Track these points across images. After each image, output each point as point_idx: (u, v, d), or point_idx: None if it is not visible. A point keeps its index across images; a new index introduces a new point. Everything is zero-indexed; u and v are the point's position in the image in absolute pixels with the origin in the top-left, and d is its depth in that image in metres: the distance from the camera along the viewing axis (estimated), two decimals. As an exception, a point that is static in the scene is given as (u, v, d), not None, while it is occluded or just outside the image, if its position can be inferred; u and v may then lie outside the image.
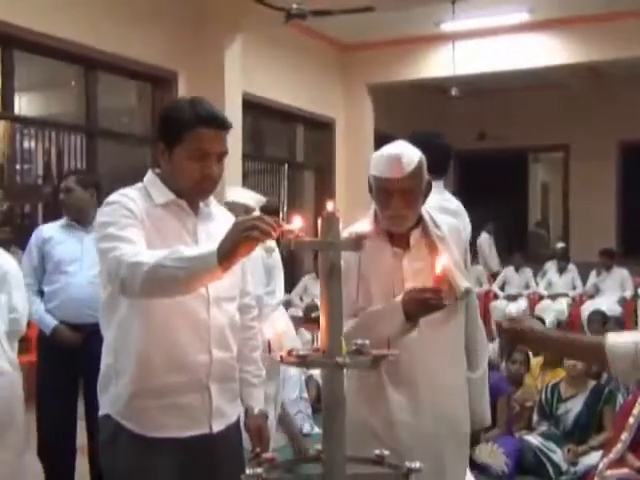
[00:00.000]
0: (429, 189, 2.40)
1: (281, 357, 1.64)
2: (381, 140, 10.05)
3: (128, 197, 2.10)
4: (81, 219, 3.82)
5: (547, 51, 8.47)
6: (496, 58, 8.66)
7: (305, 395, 5.86)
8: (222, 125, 2.11)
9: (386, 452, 1.71)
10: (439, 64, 8.81)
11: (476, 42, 8.60)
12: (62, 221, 3.90)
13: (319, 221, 1.68)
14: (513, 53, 8.58)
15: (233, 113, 7.09)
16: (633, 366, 1.79)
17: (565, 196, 11.90)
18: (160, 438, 2.10)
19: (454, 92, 7.70)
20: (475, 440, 2.53)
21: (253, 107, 7.99)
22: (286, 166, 9.26)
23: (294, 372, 5.67)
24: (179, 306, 2.06)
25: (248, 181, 8.48)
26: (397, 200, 2.29)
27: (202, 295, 2.10)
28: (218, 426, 2.18)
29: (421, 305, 2.17)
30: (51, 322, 3.71)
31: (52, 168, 6.23)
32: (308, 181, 9.75)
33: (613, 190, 11.25)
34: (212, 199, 2.25)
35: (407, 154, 2.31)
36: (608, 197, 11.02)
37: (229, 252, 1.79)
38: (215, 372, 2.15)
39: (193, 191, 2.13)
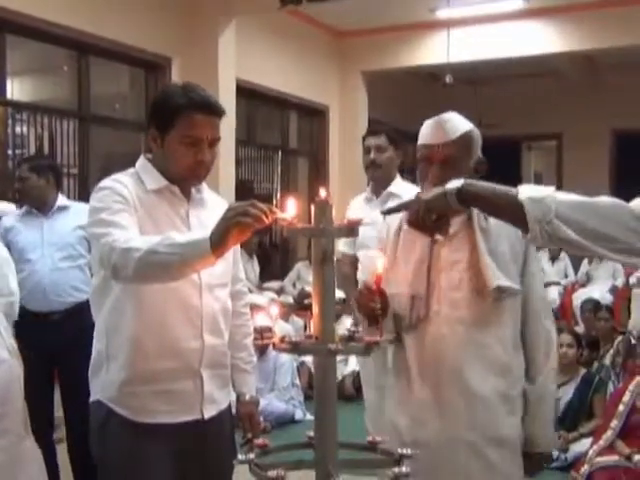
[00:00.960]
0: (481, 168, 2.13)
1: (273, 344, 1.64)
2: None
3: (120, 182, 2.09)
4: (40, 206, 3.80)
5: (541, 39, 8.45)
6: (491, 46, 8.63)
7: (297, 382, 5.88)
8: (215, 111, 2.11)
9: (409, 451, 1.69)
10: (434, 51, 8.79)
11: (471, 29, 8.57)
12: (22, 209, 3.89)
13: (312, 208, 1.68)
14: (508, 41, 8.56)
15: (227, 99, 7.06)
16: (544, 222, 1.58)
17: (558, 185, 11.92)
18: (152, 424, 2.11)
19: (448, 79, 7.68)
20: (538, 465, 2.21)
21: (247, 93, 7.96)
22: (280, 153, 9.24)
23: (286, 359, 5.69)
24: (171, 292, 2.06)
25: (241, 167, 8.46)
26: (436, 170, 2.06)
27: (194, 281, 2.10)
28: (209, 412, 2.19)
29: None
30: None
31: (45, 153, 6.19)
32: (302, 168, 9.73)
33: (606, 178, 11.27)
34: (204, 185, 2.25)
35: (453, 120, 2.12)
36: (601, 185, 11.03)
37: (222, 238, 1.78)
38: (207, 358, 2.16)
39: (185, 177, 2.12)
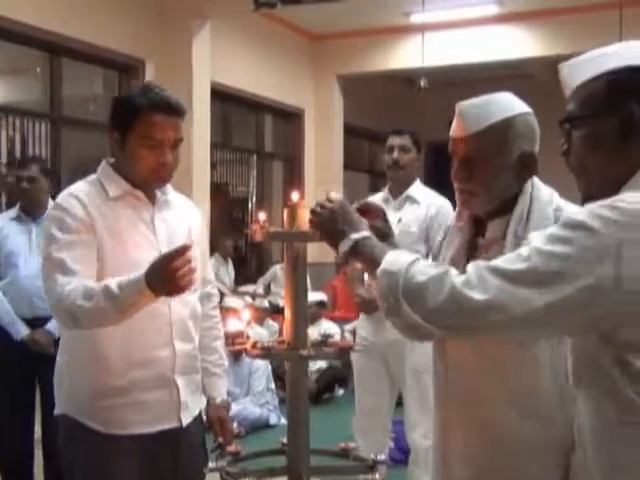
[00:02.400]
0: (530, 165, 1.73)
1: (245, 350, 1.62)
2: (350, 131, 10.03)
3: (77, 198, 2.05)
4: (36, 210, 3.74)
5: (515, 43, 8.52)
6: (465, 50, 8.68)
7: (272, 386, 5.85)
8: (175, 111, 2.07)
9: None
10: (409, 55, 8.81)
11: (445, 34, 8.61)
12: (12, 212, 3.81)
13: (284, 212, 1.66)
14: (482, 45, 8.61)
15: (201, 102, 7.03)
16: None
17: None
18: (125, 435, 2.07)
19: (423, 83, 7.69)
20: None
21: (222, 96, 7.92)
22: (255, 156, 9.20)
23: (261, 363, 5.66)
24: None
25: (217, 171, 8.42)
26: (459, 168, 1.75)
27: None
28: (187, 419, 2.17)
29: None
30: (24, 330, 3.61)
31: (16, 156, 6.10)
32: (277, 171, 9.71)
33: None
34: (169, 187, 2.22)
35: (483, 107, 1.73)
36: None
37: (157, 291, 1.82)
38: (179, 365, 2.13)
39: (148, 180, 2.09)
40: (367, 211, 1.73)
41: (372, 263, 1.45)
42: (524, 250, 1.27)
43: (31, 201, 3.74)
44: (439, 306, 1.30)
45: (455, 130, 1.75)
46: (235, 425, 5.36)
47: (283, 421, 5.25)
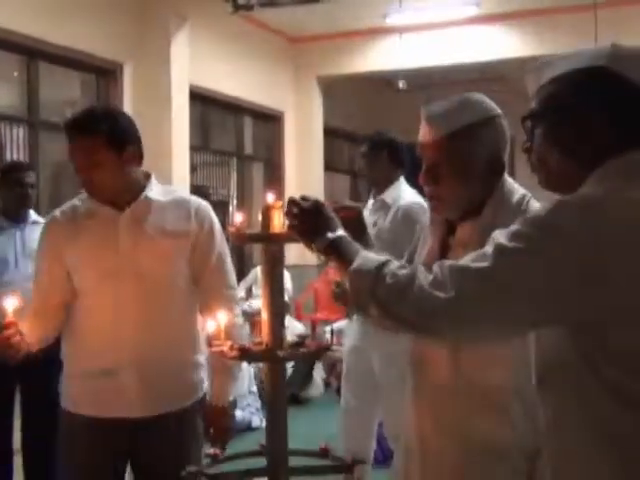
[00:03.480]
0: (498, 169, 1.72)
1: (223, 351, 1.63)
2: (330, 133, 10.04)
3: (56, 222, 2.31)
4: (24, 216, 3.72)
5: (494, 45, 8.57)
6: (444, 51, 8.73)
7: (254, 389, 5.84)
8: (77, 132, 2.17)
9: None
10: (387, 57, 8.85)
11: (423, 35, 8.65)
12: None
13: (259, 214, 1.67)
14: (460, 46, 8.66)
15: (180, 104, 7.02)
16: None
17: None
18: (85, 415, 2.26)
19: (402, 85, 7.74)
20: None
21: (201, 99, 7.91)
22: (235, 159, 9.19)
23: (243, 366, 5.65)
24: (102, 296, 2.25)
25: (197, 174, 8.40)
26: (426, 173, 1.72)
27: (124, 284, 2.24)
28: (142, 412, 2.23)
29: None
30: None
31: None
32: (257, 174, 9.69)
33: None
34: (150, 191, 2.27)
35: (446, 110, 1.70)
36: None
37: None
38: (131, 356, 2.21)
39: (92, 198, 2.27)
40: (343, 211, 1.74)
41: (345, 263, 1.44)
42: (488, 248, 1.27)
43: (23, 207, 3.72)
44: (407, 307, 1.29)
45: (422, 134, 1.73)
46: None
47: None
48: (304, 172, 9.43)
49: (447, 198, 1.72)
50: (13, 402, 3.66)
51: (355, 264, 1.40)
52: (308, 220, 1.53)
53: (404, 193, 3.69)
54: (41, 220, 3.79)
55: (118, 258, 2.19)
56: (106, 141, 2.13)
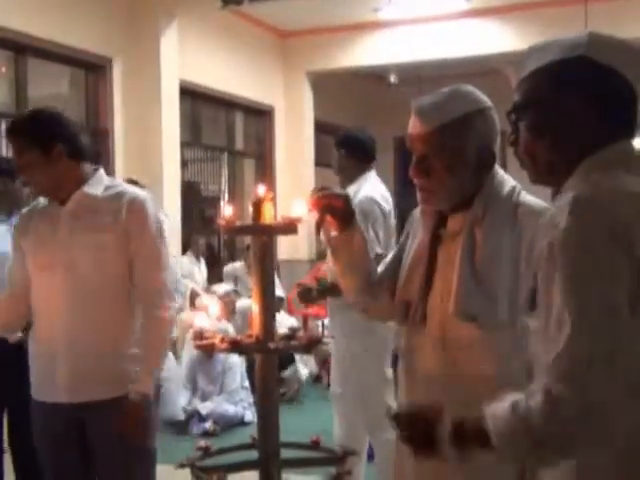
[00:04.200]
0: (488, 161, 1.73)
1: (214, 344, 1.63)
2: (321, 128, 10.01)
3: (21, 216, 2.55)
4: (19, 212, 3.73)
5: (485, 39, 8.56)
6: (434, 45, 8.71)
7: (246, 384, 5.84)
8: (8, 137, 2.42)
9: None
10: (378, 51, 8.84)
11: (414, 29, 8.63)
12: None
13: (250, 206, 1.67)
14: (451, 40, 8.65)
15: (169, 100, 6.99)
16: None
17: (504, 169, 12.11)
18: (36, 401, 2.43)
19: (392, 79, 7.73)
20: None
21: (191, 94, 7.88)
22: (226, 154, 9.17)
23: (236, 360, 5.65)
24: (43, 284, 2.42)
25: (187, 169, 8.38)
26: (416, 166, 1.74)
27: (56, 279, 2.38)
28: (76, 398, 2.33)
29: None
30: None
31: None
32: (248, 169, 9.68)
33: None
34: (85, 188, 2.40)
35: (435, 103, 1.71)
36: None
37: None
38: (65, 341, 2.32)
39: None
40: (331, 198, 1.76)
41: (478, 439, 1.31)
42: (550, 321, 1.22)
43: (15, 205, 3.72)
44: (554, 430, 1.20)
45: (411, 127, 1.73)
46: (209, 424, 5.33)
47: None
48: (295, 167, 9.41)
49: (437, 190, 1.73)
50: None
51: (496, 436, 1.27)
52: (415, 430, 1.41)
53: (362, 188, 3.72)
54: None
55: (54, 251, 2.36)
56: (30, 142, 2.31)
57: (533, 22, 8.20)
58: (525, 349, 1.56)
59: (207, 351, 5.48)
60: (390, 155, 11.74)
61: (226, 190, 9.12)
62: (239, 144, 9.48)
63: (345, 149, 3.81)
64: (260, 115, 9.39)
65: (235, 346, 1.59)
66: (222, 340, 1.61)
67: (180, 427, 5.41)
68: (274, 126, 9.41)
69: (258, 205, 1.63)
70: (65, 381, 2.33)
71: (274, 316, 1.64)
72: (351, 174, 3.79)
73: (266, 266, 1.63)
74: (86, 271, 2.31)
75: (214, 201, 9.10)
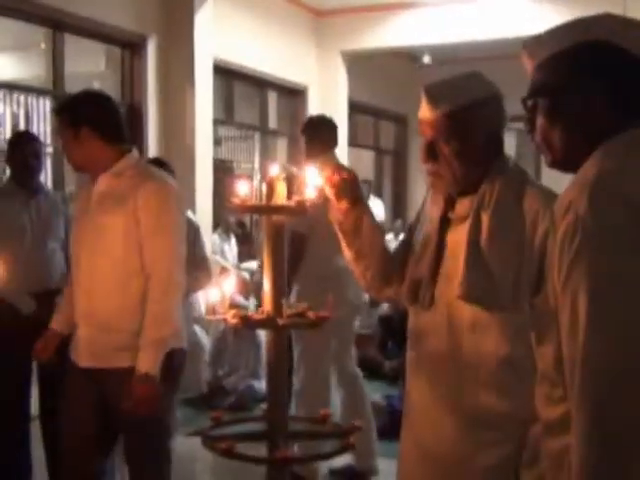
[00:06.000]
0: (496, 147, 1.77)
1: (225, 319, 1.68)
2: (355, 108, 9.93)
3: (78, 190, 2.99)
4: (37, 185, 3.83)
5: (521, 20, 8.44)
6: (470, 26, 8.62)
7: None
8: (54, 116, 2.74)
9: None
10: (413, 31, 8.77)
11: (450, 9, 8.55)
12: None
13: (263, 185, 1.71)
14: (487, 21, 8.55)
15: (203, 78, 7.04)
16: None
17: (537, 168, 11.99)
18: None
19: (426, 60, 7.68)
20: None
21: (225, 73, 7.93)
22: (259, 133, 9.22)
23: (261, 337, 5.72)
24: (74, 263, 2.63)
25: (220, 148, 8.45)
26: (424, 150, 1.76)
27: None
28: (86, 362, 2.53)
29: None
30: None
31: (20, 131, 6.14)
32: (281, 148, 9.71)
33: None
34: (109, 170, 2.59)
35: (445, 88, 1.73)
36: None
37: None
38: (81, 310, 2.55)
39: None
40: (343, 173, 1.80)
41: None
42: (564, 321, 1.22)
43: (31, 177, 3.79)
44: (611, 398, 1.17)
45: (421, 112, 1.75)
46: (233, 398, 5.41)
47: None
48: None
49: (446, 175, 1.75)
50: (31, 368, 3.75)
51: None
52: None
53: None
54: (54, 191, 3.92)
55: (83, 229, 2.59)
56: (63, 123, 2.55)
57: (571, 2, 8.06)
58: (529, 332, 1.59)
59: (234, 327, 5.56)
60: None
61: (259, 169, 9.18)
62: (272, 123, 9.51)
63: (306, 133, 4.33)
64: (293, 94, 9.40)
65: (245, 322, 1.64)
66: (233, 315, 1.67)
67: (205, 401, 5.51)
68: (307, 106, 9.42)
69: (271, 185, 1.68)
70: (83, 346, 2.55)
71: (284, 294, 1.70)
72: (311, 157, 4.11)
73: (277, 245, 1.68)
74: (102, 251, 2.49)
75: (247, 180, 9.16)
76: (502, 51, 9.95)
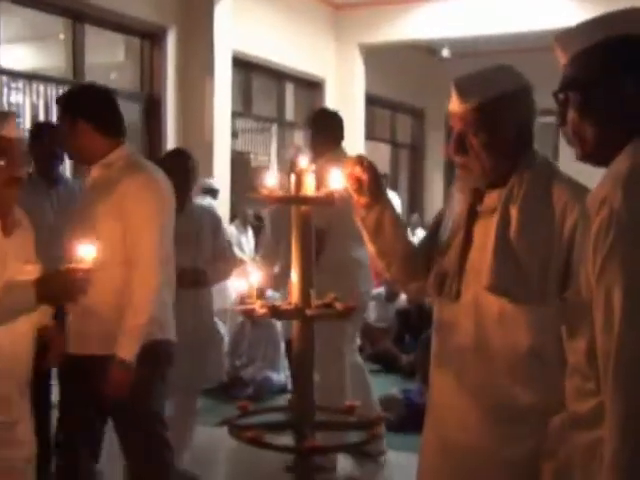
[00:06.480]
0: (526, 140, 1.77)
1: (253, 310, 1.69)
2: (372, 101, 9.92)
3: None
4: (58, 174, 3.91)
5: (544, 13, 8.37)
6: (489, 20, 8.58)
7: (289, 352, 5.94)
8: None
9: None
10: (431, 24, 8.74)
11: (469, 2, 8.51)
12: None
13: (292, 176, 1.72)
14: (507, 15, 8.50)
15: (222, 70, 7.06)
16: None
17: (555, 160, 11.92)
18: None
19: (445, 54, 7.65)
20: None
21: (243, 65, 7.94)
22: (276, 125, 9.22)
23: (279, 329, 5.74)
24: None
25: (238, 140, 8.46)
26: (454, 143, 1.75)
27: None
28: (73, 348, 2.53)
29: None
30: None
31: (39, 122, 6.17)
32: (298, 140, 9.71)
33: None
34: (98, 163, 2.66)
35: (475, 81, 1.74)
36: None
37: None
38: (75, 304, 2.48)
39: None
40: (367, 165, 1.81)
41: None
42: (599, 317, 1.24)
43: (54, 166, 3.83)
44: None
45: (451, 104, 1.75)
46: (250, 389, 5.41)
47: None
48: (345, 140, 9.41)
49: (475, 167, 1.75)
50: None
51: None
52: None
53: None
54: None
55: (76, 218, 2.69)
56: (62, 113, 2.69)
57: (593, -3, 7.99)
58: (556, 324, 1.60)
59: (249, 317, 5.56)
60: (442, 131, 11.62)
61: (275, 161, 9.18)
62: (289, 115, 9.51)
63: (313, 128, 4.26)
64: (311, 87, 9.40)
65: (274, 312, 1.65)
66: (262, 306, 1.68)
67: (223, 392, 5.53)
68: (324, 98, 9.41)
69: (299, 176, 1.68)
70: (71, 334, 2.59)
71: (312, 285, 1.70)
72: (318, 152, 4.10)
73: (305, 236, 1.69)
74: (89, 239, 2.47)
75: (263, 172, 9.17)
76: (522, 44, 9.91)
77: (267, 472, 4.01)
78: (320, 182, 1.70)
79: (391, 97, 10.83)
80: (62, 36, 6.66)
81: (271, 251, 4.20)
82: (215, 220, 3.80)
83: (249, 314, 1.73)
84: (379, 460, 4.11)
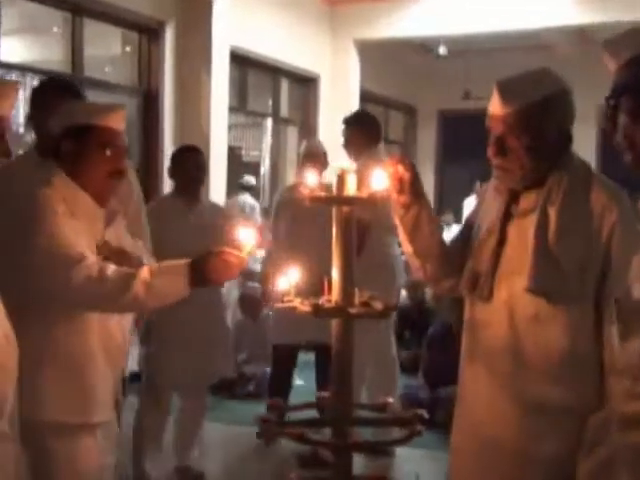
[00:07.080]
0: (565, 143, 1.80)
1: (295, 307, 1.71)
2: (367, 97, 9.92)
3: None
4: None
5: (536, 13, 8.42)
6: (484, 18, 8.61)
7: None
8: None
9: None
10: (427, 22, 8.76)
11: (466, 0, 8.54)
12: None
13: (333, 177, 1.74)
14: (501, 14, 8.54)
15: (220, 65, 7.04)
16: None
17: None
18: None
19: (441, 51, 7.68)
20: None
21: (239, 60, 7.92)
22: (270, 120, 9.22)
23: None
24: None
25: (231, 134, 8.45)
26: (494, 145, 1.78)
27: None
28: None
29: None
30: None
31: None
32: (291, 136, 9.72)
33: (593, 154, 11.36)
34: None
35: (517, 84, 1.76)
36: (588, 160, 11.08)
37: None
38: None
39: None
40: (404, 164, 1.84)
41: None
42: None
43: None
44: None
45: (493, 107, 1.78)
46: (253, 386, 5.38)
47: (299, 382, 5.32)
48: (339, 136, 9.42)
49: (514, 170, 1.78)
50: None
51: None
52: None
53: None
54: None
55: None
56: None
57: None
58: (591, 325, 1.63)
59: (252, 314, 5.53)
60: (433, 129, 11.67)
61: (268, 156, 9.18)
62: (284, 111, 9.50)
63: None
64: (305, 82, 9.39)
65: (316, 310, 1.67)
66: (303, 303, 1.70)
67: (225, 388, 5.52)
68: (319, 94, 9.41)
69: (342, 177, 1.70)
70: None
71: (353, 283, 1.72)
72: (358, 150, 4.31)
73: (347, 235, 1.70)
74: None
75: (254, 167, 9.16)
76: (519, 43, 9.96)
77: (273, 469, 4.05)
78: (362, 182, 1.72)
79: (384, 94, 10.84)
80: (56, 29, 6.61)
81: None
82: (226, 218, 3.81)
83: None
84: (391, 455, 4.13)
